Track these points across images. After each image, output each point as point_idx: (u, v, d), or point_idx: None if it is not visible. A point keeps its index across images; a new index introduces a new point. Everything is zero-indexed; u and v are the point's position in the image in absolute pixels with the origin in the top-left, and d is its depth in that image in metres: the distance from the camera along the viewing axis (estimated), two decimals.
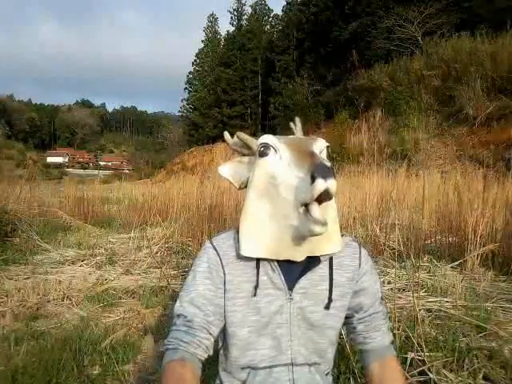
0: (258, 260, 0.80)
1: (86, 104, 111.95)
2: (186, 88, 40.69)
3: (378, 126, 13.95)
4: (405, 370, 1.63)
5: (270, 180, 0.76)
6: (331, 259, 0.84)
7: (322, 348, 0.84)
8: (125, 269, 3.74)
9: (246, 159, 0.90)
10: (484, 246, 2.96)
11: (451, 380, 1.60)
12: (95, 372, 2.02)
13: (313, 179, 0.65)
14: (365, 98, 15.82)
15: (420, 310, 2.08)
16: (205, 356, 0.81)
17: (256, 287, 0.80)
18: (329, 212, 0.79)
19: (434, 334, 1.92)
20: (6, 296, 2.98)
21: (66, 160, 75.80)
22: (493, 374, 1.62)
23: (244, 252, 0.78)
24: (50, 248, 4.60)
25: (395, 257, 3.26)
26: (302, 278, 0.81)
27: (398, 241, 3.30)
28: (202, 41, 41.72)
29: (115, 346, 2.21)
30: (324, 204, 0.71)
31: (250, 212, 0.80)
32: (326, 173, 0.65)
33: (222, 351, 0.87)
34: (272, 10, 37.41)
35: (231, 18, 37.12)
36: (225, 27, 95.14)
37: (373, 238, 3.74)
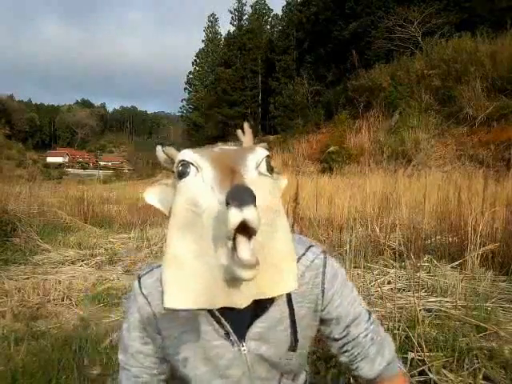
0: None
1: (86, 104, 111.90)
2: (186, 88, 40.77)
3: (378, 126, 13.96)
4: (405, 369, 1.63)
5: (192, 208, 0.56)
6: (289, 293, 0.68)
7: (285, 369, 0.76)
8: (125, 269, 3.75)
9: (171, 181, 0.68)
10: (484, 246, 2.96)
11: (451, 380, 1.60)
12: (95, 372, 2.02)
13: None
14: (365, 98, 15.82)
15: (420, 310, 2.08)
16: None
17: (200, 339, 0.68)
18: (275, 239, 0.58)
19: (434, 334, 1.92)
20: (6, 296, 2.98)
21: (66, 160, 75.80)
22: (493, 374, 1.61)
23: (167, 304, 0.57)
24: (50, 248, 4.60)
25: (395, 257, 3.27)
26: (255, 322, 0.67)
27: (398, 241, 3.30)
28: (203, 41, 41.81)
29: (115, 346, 2.21)
30: (264, 231, 0.51)
31: (172, 250, 0.59)
32: (243, 199, 0.46)
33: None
34: (272, 10, 37.47)
35: (231, 17, 37.23)
36: (225, 27, 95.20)
37: (373, 238, 3.74)
